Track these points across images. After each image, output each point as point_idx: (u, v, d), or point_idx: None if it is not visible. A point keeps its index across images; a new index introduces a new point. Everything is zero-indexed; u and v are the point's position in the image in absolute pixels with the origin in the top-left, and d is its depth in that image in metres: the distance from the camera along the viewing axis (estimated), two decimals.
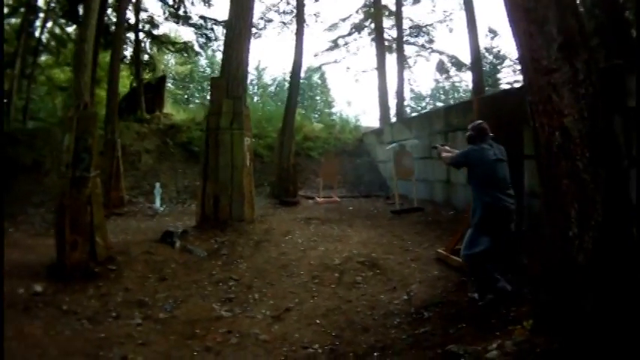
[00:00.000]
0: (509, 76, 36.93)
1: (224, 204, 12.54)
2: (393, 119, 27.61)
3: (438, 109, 19.27)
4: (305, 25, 21.84)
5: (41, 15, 30.56)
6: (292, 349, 6.12)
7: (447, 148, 7.62)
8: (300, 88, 22.36)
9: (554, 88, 4.29)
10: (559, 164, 4.28)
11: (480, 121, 7.10)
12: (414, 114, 49.86)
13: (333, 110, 63.39)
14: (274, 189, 18.72)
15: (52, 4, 30.63)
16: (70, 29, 31.62)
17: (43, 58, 33.59)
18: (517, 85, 34.75)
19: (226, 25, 14.39)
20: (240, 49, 13.53)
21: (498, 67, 37.82)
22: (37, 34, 30.70)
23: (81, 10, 28.51)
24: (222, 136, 12.88)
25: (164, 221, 15.49)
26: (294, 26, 26.19)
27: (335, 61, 33.32)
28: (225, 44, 14.07)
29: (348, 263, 9.44)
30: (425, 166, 15.60)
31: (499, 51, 38.13)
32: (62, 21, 31.32)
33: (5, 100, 29.75)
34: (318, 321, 6.94)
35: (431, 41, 30.58)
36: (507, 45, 53.26)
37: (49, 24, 31.25)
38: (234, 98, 13.09)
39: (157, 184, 18.72)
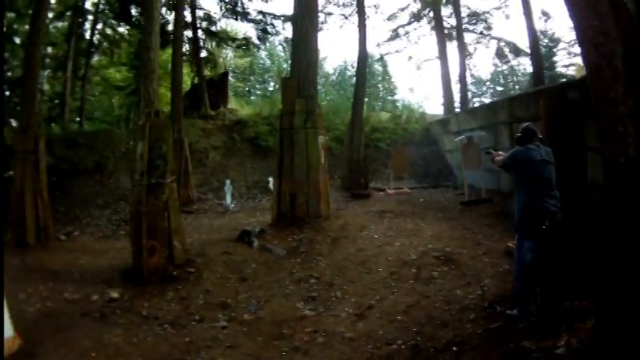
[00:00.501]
0: (565, 59, 36.48)
1: (300, 201, 12.70)
2: (457, 106, 27.75)
3: (502, 99, 19.08)
4: (366, 17, 21.88)
5: (90, 17, 31.06)
6: (377, 345, 6.20)
7: (500, 153, 7.60)
8: (365, 80, 22.27)
9: (620, 118, 4.56)
10: (623, 185, 4.57)
11: (528, 123, 7.01)
12: (475, 99, 49.39)
13: (396, 97, 63.41)
14: (345, 182, 18.85)
15: (101, 6, 31.06)
16: (122, 29, 32.36)
17: (95, 58, 34.20)
18: (572, 69, 34.38)
19: (292, 25, 14.54)
20: (308, 49, 13.68)
21: (554, 49, 37.28)
22: (87, 35, 31.31)
23: (133, 11, 29.22)
24: (297, 136, 13.03)
25: (236, 218, 15.65)
26: (354, 17, 26.45)
27: (397, 51, 33.34)
28: (293, 45, 14.26)
29: (424, 258, 9.55)
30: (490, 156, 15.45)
31: (553, 33, 37.67)
32: (113, 22, 31.83)
33: (56, 101, 30.48)
34: (399, 317, 7.03)
35: (489, 28, 30.35)
36: (561, 27, 52.49)
37: (100, 25, 31.72)
38: (306, 97, 13.23)
39: (227, 181, 18.86)
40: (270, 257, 10.54)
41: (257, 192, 20.73)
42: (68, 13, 29.19)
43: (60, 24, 29.07)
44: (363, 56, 21.35)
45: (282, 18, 30.15)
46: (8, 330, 6.40)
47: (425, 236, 11.29)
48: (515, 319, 6.16)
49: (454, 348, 5.80)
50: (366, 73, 20.97)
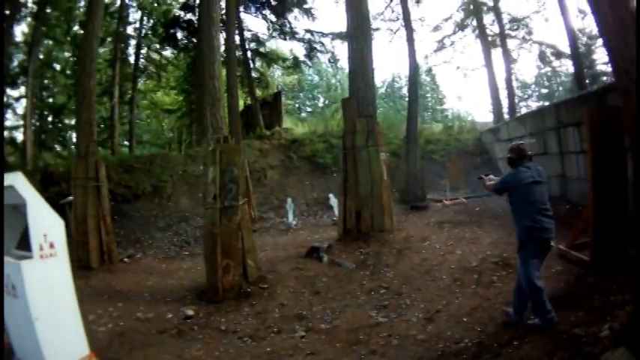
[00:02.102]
0: (604, 56, 36.27)
1: (365, 216, 13.25)
2: (505, 111, 28.12)
3: (548, 105, 19.27)
4: (413, 31, 22.27)
5: (133, 42, 32.34)
6: (446, 344, 6.75)
7: (491, 177, 7.89)
8: (418, 93, 22.71)
9: None
10: None
11: (520, 143, 7.30)
12: (521, 103, 49.30)
13: (445, 107, 63.57)
14: (404, 195, 19.36)
15: (144, 31, 32.62)
16: (168, 53, 33.65)
17: (141, 82, 35.31)
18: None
19: (348, 47, 15.01)
20: (365, 70, 14.30)
21: (592, 47, 37.15)
22: (131, 60, 32.39)
23: (179, 35, 30.59)
24: (360, 154, 13.62)
25: (299, 235, 16.18)
26: (400, 31, 27.14)
27: (445, 62, 34.58)
28: (350, 67, 14.75)
29: (483, 264, 10.03)
30: (540, 163, 15.52)
31: (591, 31, 37.52)
32: (157, 46, 33.18)
33: (102, 126, 31.30)
34: (465, 319, 7.55)
35: (530, 33, 30.50)
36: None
37: (144, 50, 33.06)
38: (366, 117, 13.81)
39: (289, 200, 19.28)
40: (340, 271, 11.08)
41: (317, 209, 21.13)
42: (109, 39, 30.55)
43: (101, 50, 29.68)
44: (414, 70, 21.90)
45: (330, 35, 30.96)
46: (84, 348, 6.71)
47: (483, 243, 11.75)
48: (539, 327, 6.49)
49: (515, 342, 6.32)
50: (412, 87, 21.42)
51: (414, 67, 21.93)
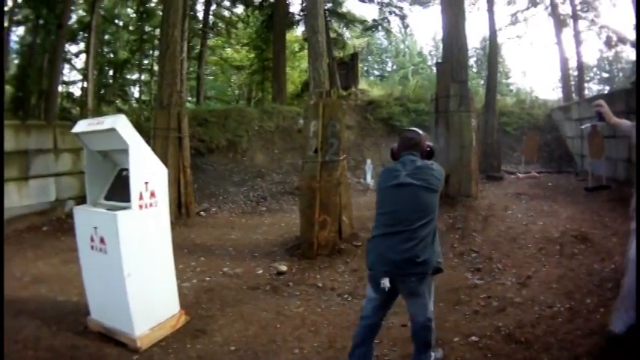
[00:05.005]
0: None
1: (453, 181, 13.42)
2: (573, 91, 27.81)
3: (619, 90, 19.02)
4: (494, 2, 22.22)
5: None
6: (542, 308, 6.92)
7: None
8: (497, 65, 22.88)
9: None
10: None
11: (410, 130, 5.26)
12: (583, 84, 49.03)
13: (510, 81, 62.82)
14: (480, 164, 19.14)
15: None
16: (239, 10, 33.38)
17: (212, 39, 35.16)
18: None
19: (442, 14, 15.06)
20: (459, 36, 14.41)
21: None
22: (200, 17, 32.28)
23: None
24: (452, 118, 13.75)
25: None
26: (480, 2, 27.40)
27: (517, 37, 33.98)
28: (444, 32, 14.88)
29: (564, 237, 10.15)
30: (609, 145, 15.79)
31: None
32: (227, 3, 33.08)
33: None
34: (554, 286, 7.71)
35: (597, 16, 29.82)
36: None
37: (213, 7, 32.69)
38: (459, 82, 13.91)
39: (368, 161, 19.53)
40: None
41: None
42: None
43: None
44: (494, 43, 22.01)
45: (409, 0, 30.66)
46: (175, 306, 6.79)
47: (561, 217, 11.82)
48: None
49: (601, 309, 6.56)
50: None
51: (494, 39, 21.99)
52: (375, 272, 4.72)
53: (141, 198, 6.15)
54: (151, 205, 6.32)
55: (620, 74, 53.82)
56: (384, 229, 4.74)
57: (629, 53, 33.08)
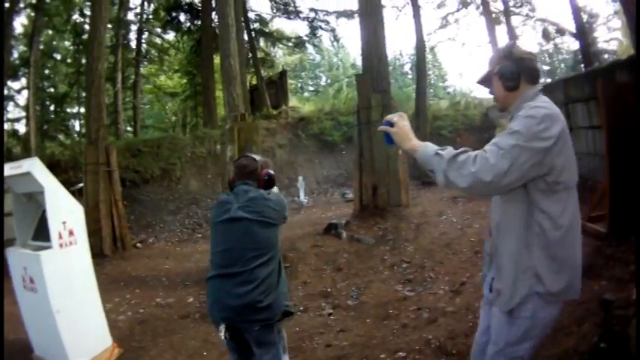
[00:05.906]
0: (604, 34, 36.24)
1: (382, 192, 13.11)
2: None
3: (557, 81, 19.20)
4: (420, 8, 22.38)
5: (134, 27, 32.46)
6: (476, 315, 6.19)
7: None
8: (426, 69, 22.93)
9: None
10: None
11: (244, 156, 4.69)
12: None
13: (447, 84, 63.52)
14: (414, 171, 19.06)
15: (146, 16, 32.59)
16: (170, 37, 33.83)
17: (144, 67, 35.29)
18: (613, 45, 34.40)
19: (360, 23, 14.93)
20: (378, 45, 14.14)
21: (593, 25, 36.98)
22: (133, 45, 32.52)
23: (182, 18, 30.72)
24: (375, 129, 13.06)
25: (312, 213, 16.27)
26: (406, 9, 27.10)
27: (449, 39, 33.73)
28: (363, 42, 14.57)
29: None
30: None
31: (592, 9, 37.40)
32: (159, 30, 33.28)
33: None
34: None
35: (533, 10, 30.69)
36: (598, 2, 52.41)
37: (146, 35, 33.05)
38: (381, 92, 13.63)
39: (300, 178, 19.45)
40: (360, 247, 10.93)
41: (327, 187, 21.33)
42: (110, 26, 30.16)
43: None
44: (421, 48, 22.14)
45: (334, 13, 30.77)
46: (106, 339, 6.78)
47: None
48: None
49: None
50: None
51: (421, 44, 22.11)
52: (212, 319, 4.27)
53: (60, 237, 6.12)
54: (70, 243, 6.32)
55: (562, 65, 55.05)
56: (220, 269, 4.16)
57: (570, 44, 33.69)
